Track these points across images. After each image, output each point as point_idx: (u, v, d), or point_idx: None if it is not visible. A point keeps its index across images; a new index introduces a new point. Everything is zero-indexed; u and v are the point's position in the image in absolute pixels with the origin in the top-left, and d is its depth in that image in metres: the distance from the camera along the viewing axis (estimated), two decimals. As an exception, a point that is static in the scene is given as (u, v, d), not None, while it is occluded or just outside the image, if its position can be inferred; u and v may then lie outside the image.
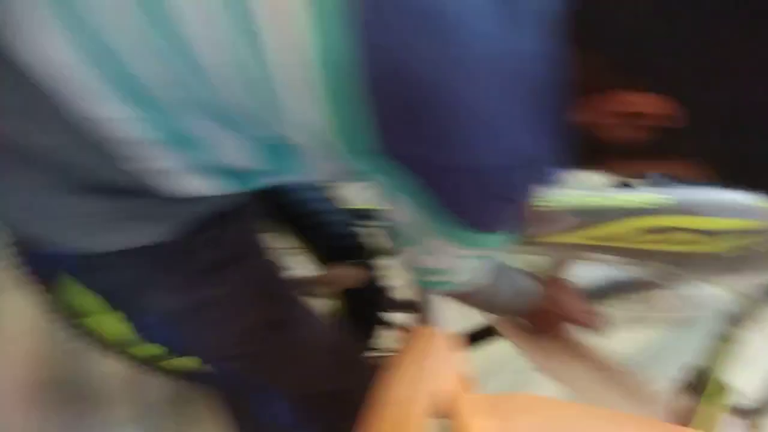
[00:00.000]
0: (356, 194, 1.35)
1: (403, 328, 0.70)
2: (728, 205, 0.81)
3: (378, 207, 0.95)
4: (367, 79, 0.44)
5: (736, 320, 0.90)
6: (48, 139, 0.51)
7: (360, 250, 0.95)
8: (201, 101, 0.49)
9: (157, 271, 0.61)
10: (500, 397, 0.68)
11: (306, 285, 0.96)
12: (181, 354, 0.69)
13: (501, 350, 0.97)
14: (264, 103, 0.48)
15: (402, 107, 0.45)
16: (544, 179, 0.51)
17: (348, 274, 0.91)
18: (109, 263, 0.58)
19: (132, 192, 0.55)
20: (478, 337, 1.01)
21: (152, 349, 0.67)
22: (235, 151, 0.53)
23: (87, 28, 0.47)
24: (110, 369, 1.40)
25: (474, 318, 0.92)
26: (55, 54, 0.47)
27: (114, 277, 0.60)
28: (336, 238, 0.93)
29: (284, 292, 0.75)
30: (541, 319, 0.85)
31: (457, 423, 0.55)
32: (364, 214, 0.98)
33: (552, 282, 0.83)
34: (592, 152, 0.51)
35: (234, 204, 0.65)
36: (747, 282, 0.89)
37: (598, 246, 0.84)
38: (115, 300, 0.62)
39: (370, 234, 0.97)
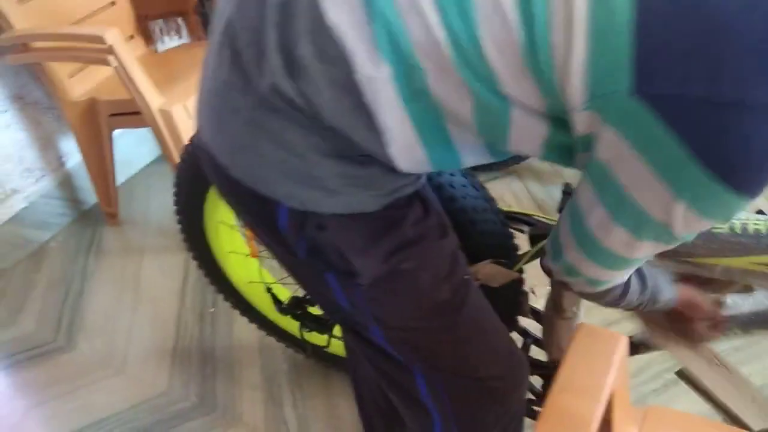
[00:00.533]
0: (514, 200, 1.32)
1: (577, 327, 0.71)
2: None
3: (533, 213, 1.01)
4: (637, 8, 0.43)
5: None
6: (331, 101, 0.56)
7: (508, 252, 0.98)
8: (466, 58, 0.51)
9: (367, 238, 0.67)
10: (650, 409, 0.73)
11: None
12: (353, 323, 0.75)
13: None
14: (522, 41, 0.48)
15: (674, 36, 0.43)
16: None
17: (494, 273, 0.94)
18: (330, 224, 0.65)
19: (369, 162, 0.61)
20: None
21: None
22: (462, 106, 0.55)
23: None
24: (244, 335, 1.55)
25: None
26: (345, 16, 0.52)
27: (329, 237, 0.65)
28: (488, 236, 0.96)
29: (465, 277, 0.77)
30: (676, 320, 0.87)
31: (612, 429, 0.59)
32: (519, 218, 1.02)
33: (686, 284, 0.85)
34: None
35: (429, 192, 0.73)
36: None
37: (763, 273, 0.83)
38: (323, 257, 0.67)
39: (517, 238, 1.00)
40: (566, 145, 0.55)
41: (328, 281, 0.70)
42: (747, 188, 0.48)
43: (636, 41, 0.43)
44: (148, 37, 1.98)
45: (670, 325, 0.89)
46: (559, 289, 0.95)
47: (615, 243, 0.58)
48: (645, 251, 0.59)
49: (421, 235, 0.70)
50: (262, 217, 0.68)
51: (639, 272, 0.74)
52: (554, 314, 0.97)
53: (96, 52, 1.50)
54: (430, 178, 0.89)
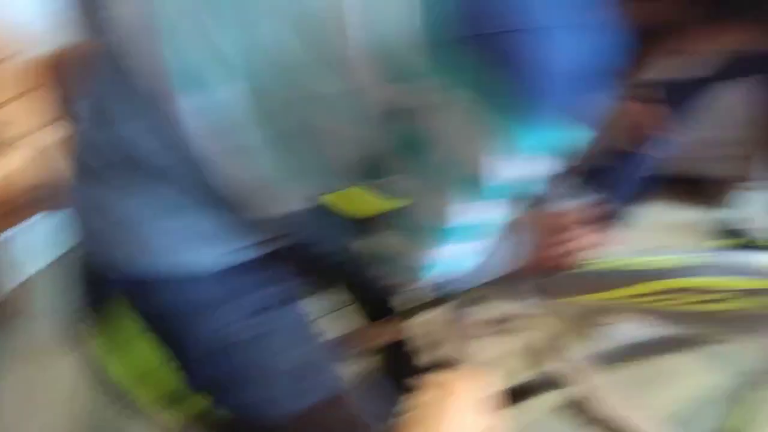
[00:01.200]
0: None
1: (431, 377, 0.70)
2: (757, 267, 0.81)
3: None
4: None
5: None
6: (168, 154, 0.58)
7: (402, 307, 0.97)
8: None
9: (222, 298, 0.66)
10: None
11: (349, 340, 0.99)
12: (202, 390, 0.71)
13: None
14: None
15: None
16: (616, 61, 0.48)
17: (389, 331, 0.94)
18: (179, 285, 0.64)
19: (229, 207, 0.62)
20: (519, 394, 1.03)
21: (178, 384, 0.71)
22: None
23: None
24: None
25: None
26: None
27: (183, 299, 0.65)
28: (383, 293, 0.95)
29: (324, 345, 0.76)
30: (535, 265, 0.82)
31: None
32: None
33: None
34: (650, 35, 0.52)
35: (296, 247, 0.71)
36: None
37: (626, 305, 0.87)
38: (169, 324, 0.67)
39: (411, 291, 0.95)
40: None
41: None
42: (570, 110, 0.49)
43: None
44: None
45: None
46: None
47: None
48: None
49: (283, 299, 0.70)
50: None
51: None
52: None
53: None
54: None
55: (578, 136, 0.53)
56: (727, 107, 1.84)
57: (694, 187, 2.14)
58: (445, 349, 0.97)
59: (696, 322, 0.87)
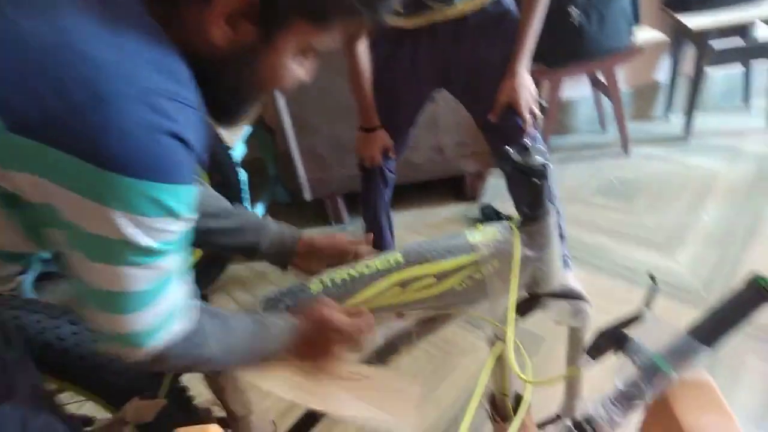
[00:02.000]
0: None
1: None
2: (444, 247, 0.92)
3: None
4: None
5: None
6: None
7: (145, 382, 0.98)
8: None
9: None
10: None
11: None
12: None
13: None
14: None
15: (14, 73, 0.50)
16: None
17: (142, 409, 0.93)
18: None
19: None
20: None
21: None
22: None
23: None
24: None
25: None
26: None
27: None
28: (116, 376, 0.96)
29: None
30: (310, 352, 0.86)
31: None
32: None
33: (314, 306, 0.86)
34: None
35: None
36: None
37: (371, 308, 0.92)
38: None
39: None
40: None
41: None
42: (135, 169, 0.52)
43: None
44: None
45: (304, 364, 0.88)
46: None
47: (103, 280, 0.59)
48: (138, 276, 0.59)
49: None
50: None
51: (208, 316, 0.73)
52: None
53: None
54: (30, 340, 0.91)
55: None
56: (444, 115, 2.22)
57: (453, 186, 2.50)
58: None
59: (431, 304, 0.93)
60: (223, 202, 1.01)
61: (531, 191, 0.88)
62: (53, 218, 0.56)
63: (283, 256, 1.01)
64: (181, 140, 0.54)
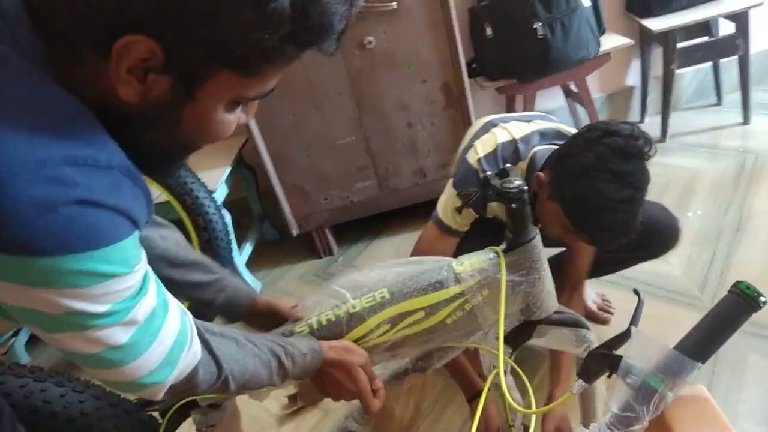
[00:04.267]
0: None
1: None
2: (429, 280, 0.91)
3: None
4: None
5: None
6: None
7: None
8: None
9: None
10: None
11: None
12: None
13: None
14: None
15: None
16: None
17: None
18: None
19: None
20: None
21: None
22: None
23: None
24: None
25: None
26: None
27: None
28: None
29: None
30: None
31: None
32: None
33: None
34: None
35: None
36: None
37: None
38: None
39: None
40: None
41: None
42: (47, 249, 0.50)
43: None
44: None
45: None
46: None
47: (82, 346, 0.58)
48: (114, 334, 0.58)
49: None
50: None
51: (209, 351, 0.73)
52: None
53: None
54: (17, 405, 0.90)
55: None
56: (423, 139, 2.23)
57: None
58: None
59: (423, 339, 0.93)
60: (186, 252, 0.99)
61: (513, 216, 0.87)
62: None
63: (235, 313, 1.02)
64: (91, 203, 0.51)
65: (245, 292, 1.01)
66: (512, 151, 1.30)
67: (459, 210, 1.36)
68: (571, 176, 1.13)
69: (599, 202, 1.07)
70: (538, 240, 0.89)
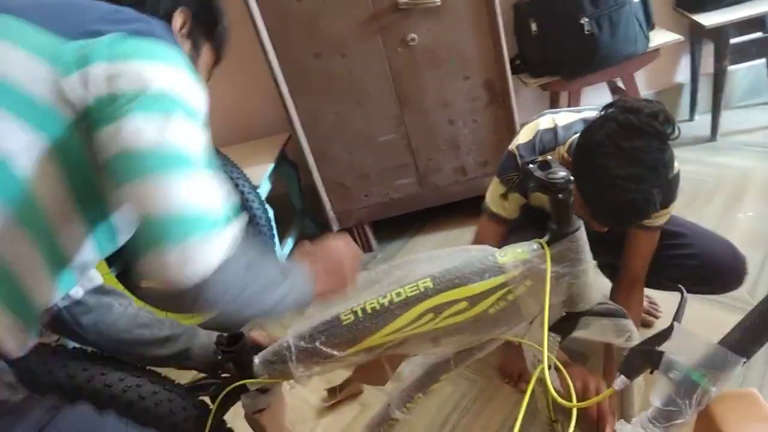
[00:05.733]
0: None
1: None
2: (472, 269, 0.90)
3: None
4: None
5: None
6: None
7: (191, 424, 1.01)
8: None
9: None
10: None
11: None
12: None
13: None
14: None
15: None
16: None
17: None
18: None
19: None
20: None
21: None
22: None
23: None
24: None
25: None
26: None
27: None
28: (163, 420, 0.99)
29: None
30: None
31: None
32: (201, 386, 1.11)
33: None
34: None
35: None
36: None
37: (399, 340, 0.92)
38: None
39: None
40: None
41: None
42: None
43: None
44: None
45: None
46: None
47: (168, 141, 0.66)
48: (187, 134, 0.68)
49: None
50: None
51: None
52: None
53: None
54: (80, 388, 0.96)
55: None
56: (464, 136, 2.22)
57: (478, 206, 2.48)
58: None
59: (466, 329, 0.92)
60: (150, 314, 1.06)
61: (557, 207, 0.86)
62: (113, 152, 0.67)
63: (215, 363, 1.05)
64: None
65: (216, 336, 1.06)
66: (551, 137, 1.29)
67: (504, 196, 1.35)
68: (582, 153, 1.12)
69: (604, 179, 1.04)
70: (582, 231, 0.88)
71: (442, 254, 0.95)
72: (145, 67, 0.67)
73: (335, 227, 2.36)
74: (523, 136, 1.33)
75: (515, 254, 0.91)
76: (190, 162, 0.66)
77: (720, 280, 1.41)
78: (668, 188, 1.22)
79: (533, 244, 0.91)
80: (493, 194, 1.41)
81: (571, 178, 0.83)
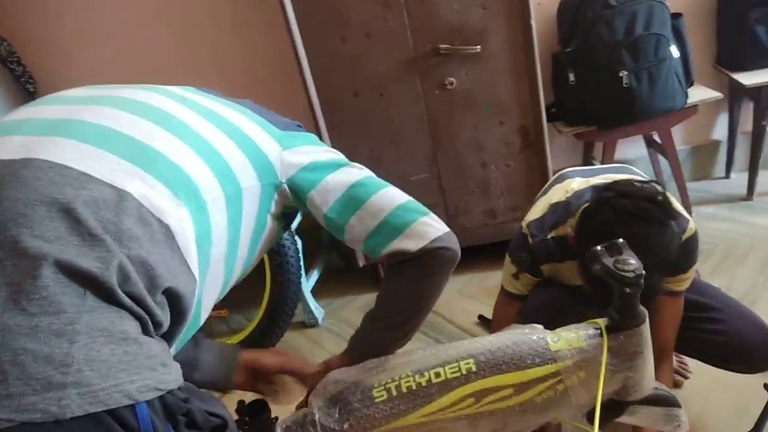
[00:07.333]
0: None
1: None
2: (520, 353, 0.84)
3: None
4: None
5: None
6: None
7: None
8: None
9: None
10: None
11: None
12: None
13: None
14: None
15: None
16: None
17: None
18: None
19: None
20: None
21: None
22: None
23: None
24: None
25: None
26: None
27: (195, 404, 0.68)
28: None
29: None
30: None
31: None
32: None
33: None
34: None
35: None
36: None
37: (435, 421, 0.85)
38: None
39: None
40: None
41: None
42: None
43: None
44: None
45: None
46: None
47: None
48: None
49: None
50: None
51: None
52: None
53: None
54: None
55: None
56: (495, 180, 2.22)
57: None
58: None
59: (505, 417, 0.86)
60: None
61: (622, 299, 0.80)
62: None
63: (219, 382, 1.03)
64: None
65: (226, 356, 1.04)
66: (562, 211, 1.28)
67: (516, 276, 1.34)
68: (581, 237, 1.12)
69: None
70: (646, 325, 0.82)
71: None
72: None
73: (361, 262, 2.35)
74: (535, 212, 1.32)
75: (569, 340, 0.84)
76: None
77: (747, 360, 1.35)
78: (683, 255, 1.20)
79: (589, 329, 0.85)
80: (505, 273, 1.40)
81: (643, 272, 0.78)
